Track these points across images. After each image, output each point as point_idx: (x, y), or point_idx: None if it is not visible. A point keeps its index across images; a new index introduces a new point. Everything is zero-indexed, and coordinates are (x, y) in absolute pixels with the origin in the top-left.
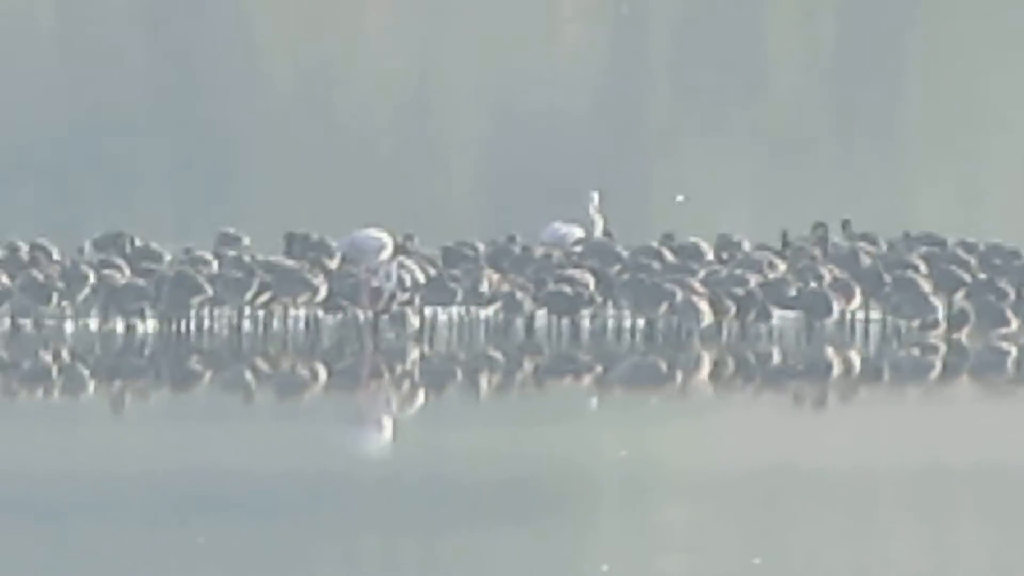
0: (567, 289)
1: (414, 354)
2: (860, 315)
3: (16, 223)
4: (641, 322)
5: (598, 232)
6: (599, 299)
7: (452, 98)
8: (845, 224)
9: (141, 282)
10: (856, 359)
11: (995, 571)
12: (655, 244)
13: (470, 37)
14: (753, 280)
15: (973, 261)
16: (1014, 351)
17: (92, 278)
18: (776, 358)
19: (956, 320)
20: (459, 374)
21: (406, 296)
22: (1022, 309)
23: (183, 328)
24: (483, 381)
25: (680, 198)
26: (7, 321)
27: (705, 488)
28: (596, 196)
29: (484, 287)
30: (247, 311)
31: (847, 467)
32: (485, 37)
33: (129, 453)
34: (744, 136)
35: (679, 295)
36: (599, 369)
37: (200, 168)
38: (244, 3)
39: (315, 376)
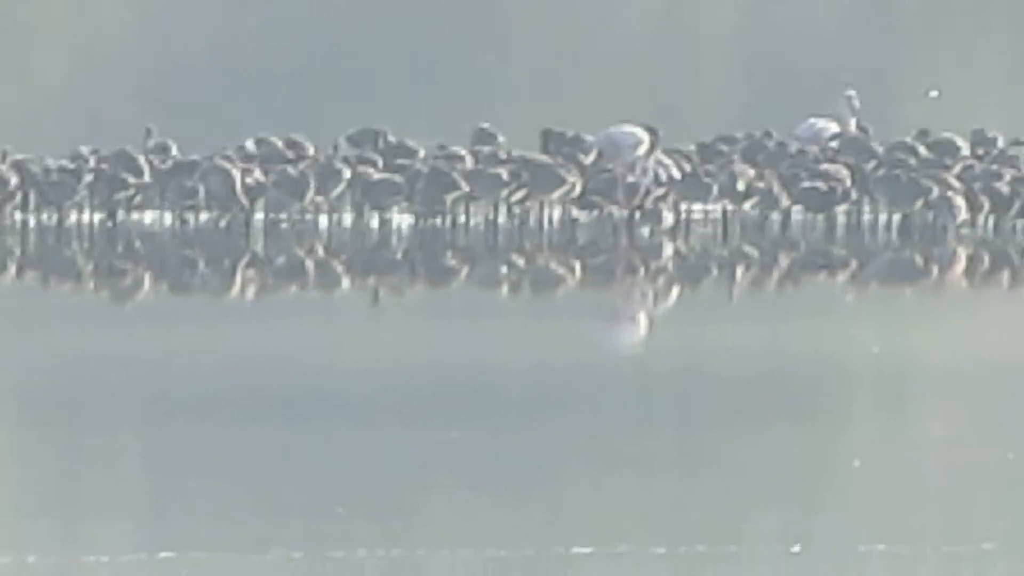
0: (822, 185)
1: (668, 250)
2: None
3: (271, 120)
4: (896, 217)
5: (853, 127)
6: (854, 195)
7: None
8: None
9: (396, 178)
10: None
11: None
12: (910, 140)
13: None
14: (1008, 175)
15: None
16: None
17: (347, 173)
18: None
19: None
20: (714, 270)
21: (661, 192)
22: None
23: (438, 224)
24: (738, 277)
25: (934, 93)
26: (262, 216)
27: (959, 384)
28: (853, 92)
29: (739, 183)
30: (502, 207)
31: None
32: None
33: (383, 349)
34: (999, 32)
35: (935, 190)
36: (854, 264)
37: (456, 65)
38: None
39: (570, 272)
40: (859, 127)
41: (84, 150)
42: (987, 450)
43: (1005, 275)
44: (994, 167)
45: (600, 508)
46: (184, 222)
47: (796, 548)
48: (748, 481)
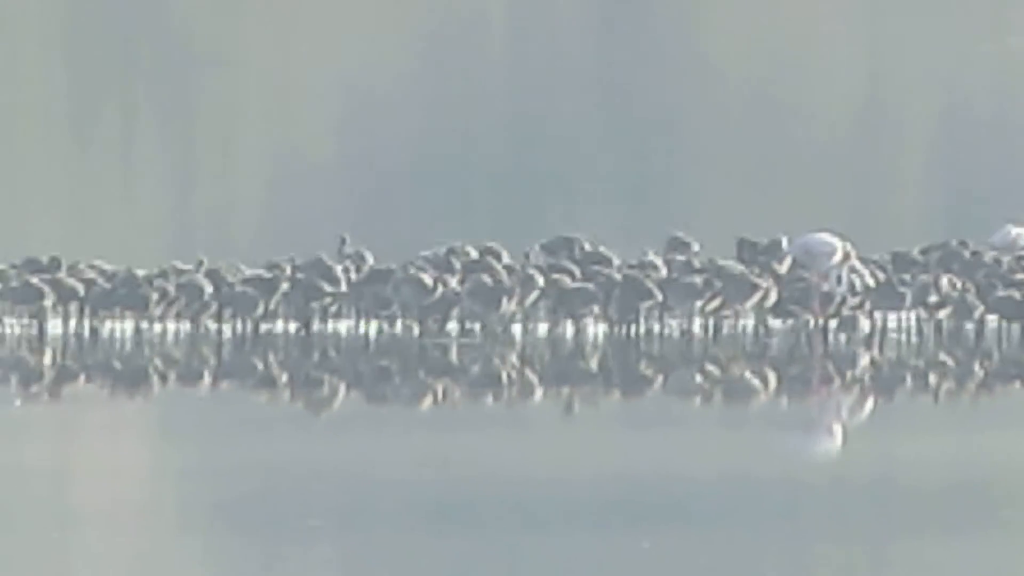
0: (1016, 294)
1: (864, 359)
2: None
3: (466, 228)
4: None
5: None
6: None
7: (901, 99)
8: None
9: (590, 286)
10: None
11: None
12: None
13: (919, 38)
14: None
15: None
16: None
17: (541, 282)
18: None
19: None
20: (908, 379)
21: (856, 301)
22: None
23: (632, 332)
24: (932, 386)
25: None
26: (457, 326)
27: None
28: None
29: (933, 292)
30: (696, 316)
31: None
32: (934, 39)
33: (577, 458)
34: None
35: None
36: None
37: (649, 172)
38: (687, 4)
39: (765, 381)
40: None
41: (280, 260)
42: None
43: None
44: None
45: None
46: (380, 331)
47: None
48: None
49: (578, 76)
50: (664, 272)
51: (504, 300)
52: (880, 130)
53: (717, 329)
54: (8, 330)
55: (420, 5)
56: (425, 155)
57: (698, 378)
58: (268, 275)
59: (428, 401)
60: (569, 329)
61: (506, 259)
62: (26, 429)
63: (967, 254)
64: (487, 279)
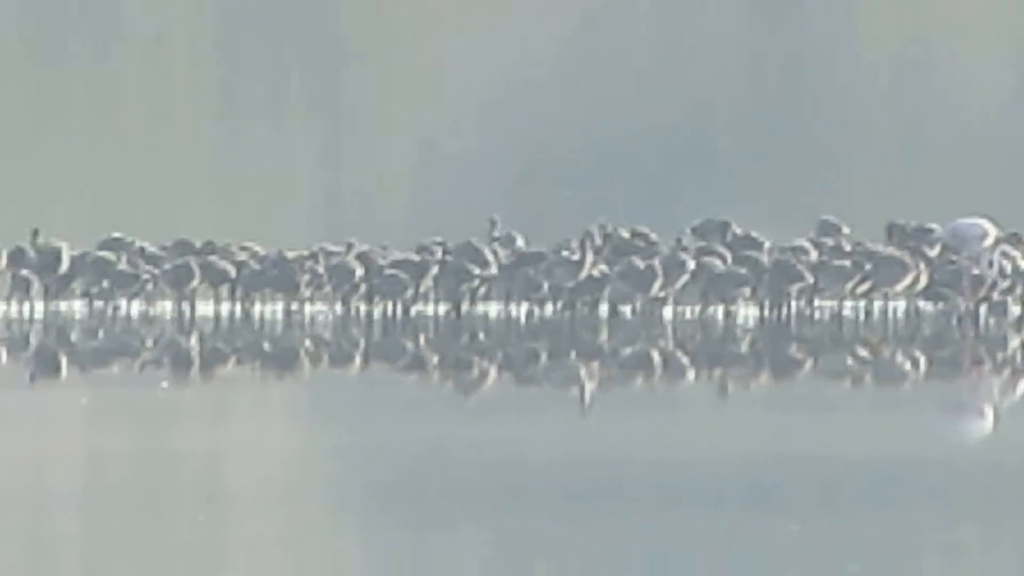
0: None
1: (1015, 342)
2: None
3: (618, 210)
4: None
5: None
6: None
7: None
8: None
9: (741, 269)
10: None
11: None
12: None
13: None
14: None
15: None
16: None
17: (691, 265)
18: None
19: None
20: None
21: (1007, 285)
22: None
23: (783, 316)
24: None
25: None
26: (606, 308)
27: None
28: None
29: None
30: (848, 299)
31: None
32: None
33: (727, 440)
34: None
35: None
36: None
37: (800, 157)
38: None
39: (915, 364)
40: None
41: (430, 242)
42: None
43: None
44: None
45: None
46: (529, 314)
47: None
48: None
49: (728, 62)
50: (815, 255)
51: (655, 283)
52: None
53: (868, 312)
54: (160, 312)
55: None
56: (575, 140)
57: (849, 361)
58: (417, 258)
59: (577, 383)
60: (719, 312)
61: (656, 241)
62: (175, 411)
63: None
64: (638, 262)
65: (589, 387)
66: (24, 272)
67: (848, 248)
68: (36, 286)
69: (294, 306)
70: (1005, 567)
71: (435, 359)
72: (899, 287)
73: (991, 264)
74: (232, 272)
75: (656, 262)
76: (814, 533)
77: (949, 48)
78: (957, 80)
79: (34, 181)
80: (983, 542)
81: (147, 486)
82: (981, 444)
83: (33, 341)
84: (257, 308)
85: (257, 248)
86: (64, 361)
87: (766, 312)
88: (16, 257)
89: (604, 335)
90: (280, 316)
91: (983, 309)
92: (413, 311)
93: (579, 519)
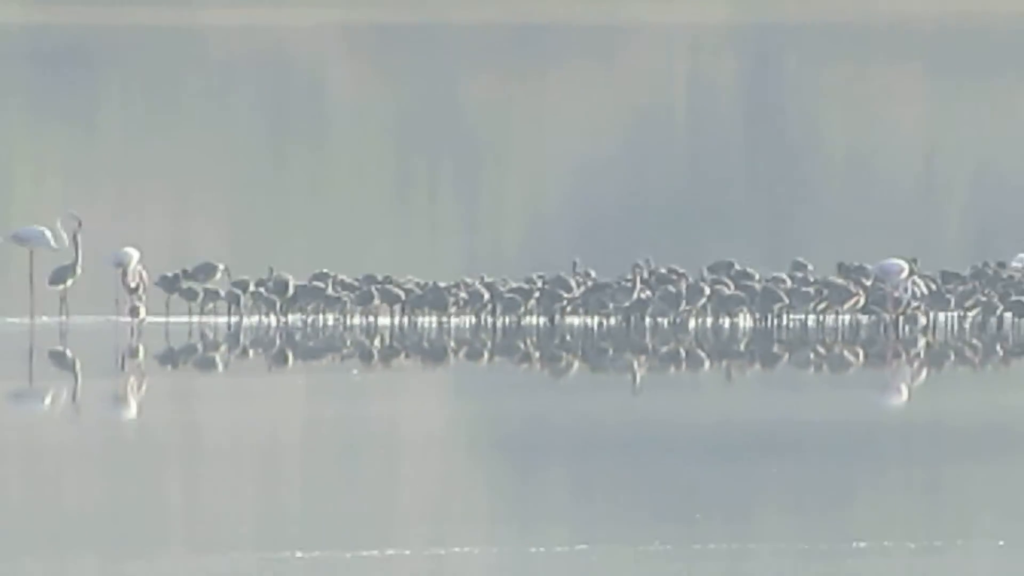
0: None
1: (921, 343)
2: None
3: (658, 253)
4: None
5: None
6: None
7: (947, 163)
8: None
9: (741, 293)
10: None
11: None
12: None
13: (964, 117)
14: None
15: None
16: None
17: (707, 290)
18: None
19: None
20: (952, 355)
21: (917, 304)
22: None
23: (769, 325)
24: (968, 360)
25: None
26: (649, 320)
27: None
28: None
29: (969, 298)
30: (811, 314)
31: None
32: (973, 119)
33: (733, 409)
34: None
35: None
36: None
37: (780, 217)
38: (806, 100)
39: (856, 358)
40: None
41: (534, 276)
42: None
43: None
44: None
45: None
46: (600, 324)
47: None
48: None
49: (731, 151)
50: (789, 284)
51: (682, 303)
52: (934, 187)
53: (823, 323)
54: (353, 323)
55: (621, 96)
56: (628, 203)
57: (811, 355)
58: (526, 286)
59: (631, 371)
60: (727, 323)
61: (684, 274)
62: (363, 391)
63: (991, 271)
64: (671, 288)
65: (639, 374)
66: (264, 294)
67: (812, 279)
68: (275, 304)
69: (443, 319)
70: (919, 489)
71: (537, 355)
72: (846, 306)
73: (906, 290)
74: (402, 295)
75: (683, 288)
76: (785, 475)
77: (880, 139)
78: (885, 162)
79: (269, 232)
80: (901, 476)
81: (348, 438)
82: (899, 410)
83: (275, 342)
84: (419, 320)
85: (418, 279)
86: (290, 356)
87: (758, 323)
88: (260, 285)
89: (648, 339)
90: (434, 326)
91: (901, 320)
92: (523, 322)
93: (637, 461)
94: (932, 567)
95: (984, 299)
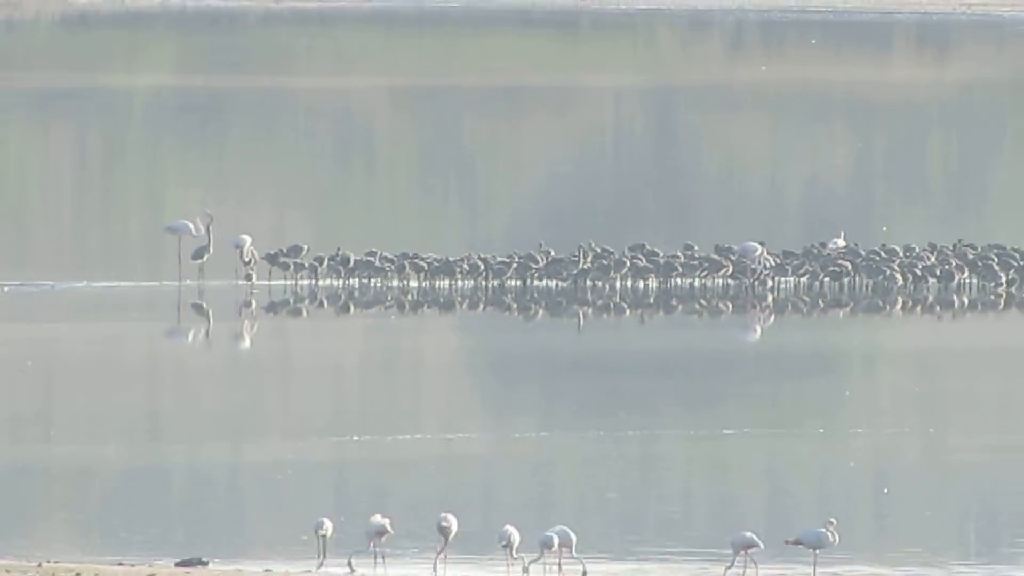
0: (836, 268)
1: (769, 299)
2: None
3: (591, 236)
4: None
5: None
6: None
7: (797, 184)
8: None
9: (650, 265)
10: None
11: None
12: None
13: (807, 150)
14: None
15: None
16: None
17: (627, 263)
18: None
19: None
20: (789, 307)
21: (767, 272)
22: None
23: (670, 287)
24: (802, 309)
25: None
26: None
27: None
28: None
29: (801, 268)
30: (697, 279)
31: None
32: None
33: (625, 344)
34: None
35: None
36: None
37: (678, 210)
38: (715, 133)
39: (726, 308)
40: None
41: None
42: None
43: None
44: None
45: None
46: (557, 285)
47: None
48: None
49: (645, 171)
50: (682, 258)
51: (612, 271)
52: (778, 193)
53: (704, 285)
54: (391, 285)
55: (573, 135)
56: (577, 204)
57: (696, 307)
58: (507, 259)
59: (578, 317)
60: (641, 285)
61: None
62: (399, 331)
63: (815, 250)
64: (604, 261)
65: (583, 319)
66: (334, 265)
67: (697, 256)
68: (340, 272)
69: (453, 283)
70: (768, 395)
71: (515, 306)
72: (719, 274)
73: (759, 263)
74: (425, 266)
75: (612, 262)
76: (680, 383)
77: (743, 163)
78: (747, 178)
79: (337, 223)
80: (757, 387)
81: (389, 361)
82: (754, 344)
83: (340, 298)
84: (436, 283)
85: (435, 255)
86: (351, 307)
87: (661, 285)
88: (331, 259)
89: (589, 296)
90: (446, 287)
91: (755, 284)
92: (506, 284)
93: (581, 377)
94: (777, 447)
95: (811, 269)
